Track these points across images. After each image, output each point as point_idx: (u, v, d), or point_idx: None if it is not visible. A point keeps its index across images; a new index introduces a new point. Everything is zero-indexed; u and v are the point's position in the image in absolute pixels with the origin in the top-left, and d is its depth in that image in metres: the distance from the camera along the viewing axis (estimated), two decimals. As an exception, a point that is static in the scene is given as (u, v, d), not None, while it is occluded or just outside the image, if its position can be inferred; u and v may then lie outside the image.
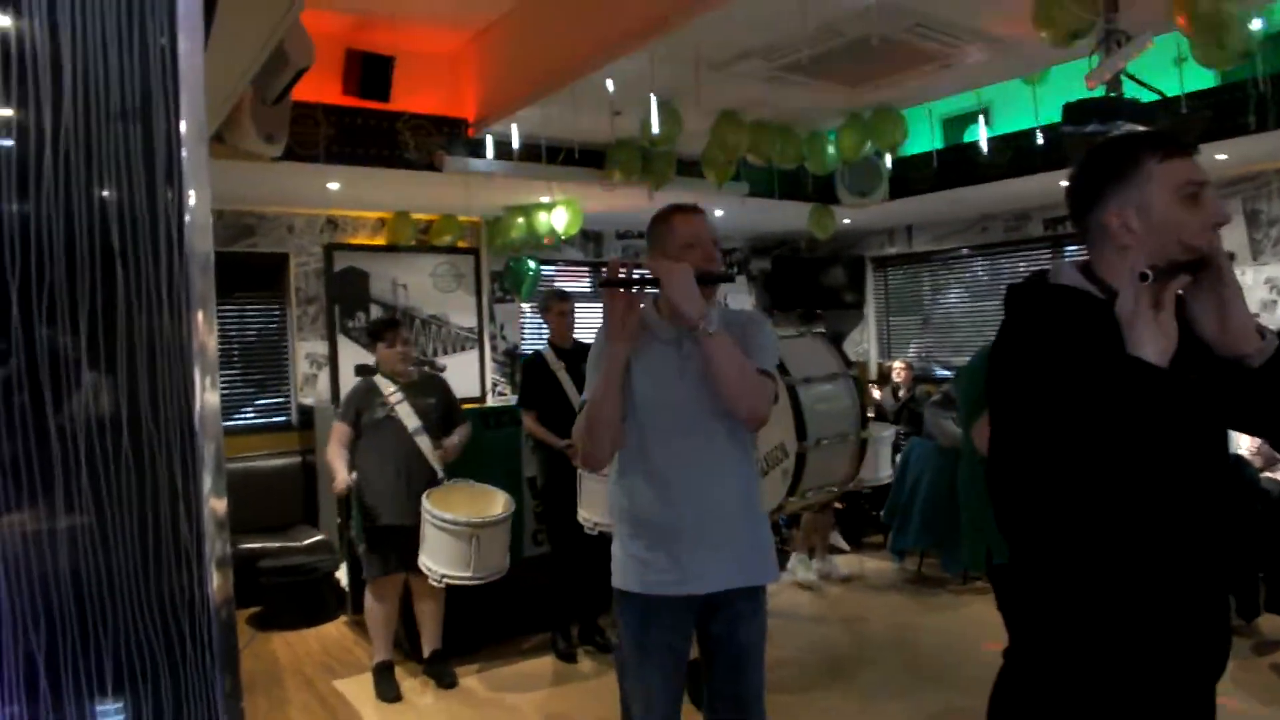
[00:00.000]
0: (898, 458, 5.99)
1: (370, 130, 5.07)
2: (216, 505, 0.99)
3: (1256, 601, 4.55)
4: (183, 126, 1.01)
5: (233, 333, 6.36)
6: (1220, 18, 3.24)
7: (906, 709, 3.87)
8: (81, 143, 0.96)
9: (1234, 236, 6.35)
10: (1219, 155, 5.54)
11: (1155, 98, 3.76)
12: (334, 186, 5.62)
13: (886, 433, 5.71)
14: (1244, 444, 5.05)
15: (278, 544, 5.49)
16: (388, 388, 4.19)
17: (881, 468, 5.56)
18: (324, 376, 6.56)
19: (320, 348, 6.57)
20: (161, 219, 0.99)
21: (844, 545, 6.53)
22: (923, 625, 5.02)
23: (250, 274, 6.37)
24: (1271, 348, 1.40)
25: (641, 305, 2.16)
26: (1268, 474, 4.87)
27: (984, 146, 5.87)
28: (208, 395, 1.00)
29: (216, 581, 0.98)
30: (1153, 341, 1.32)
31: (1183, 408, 1.35)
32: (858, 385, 4.32)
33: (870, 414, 5.51)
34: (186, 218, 1.00)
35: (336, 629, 5.18)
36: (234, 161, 4.23)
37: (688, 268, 2.07)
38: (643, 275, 2.12)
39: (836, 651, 4.63)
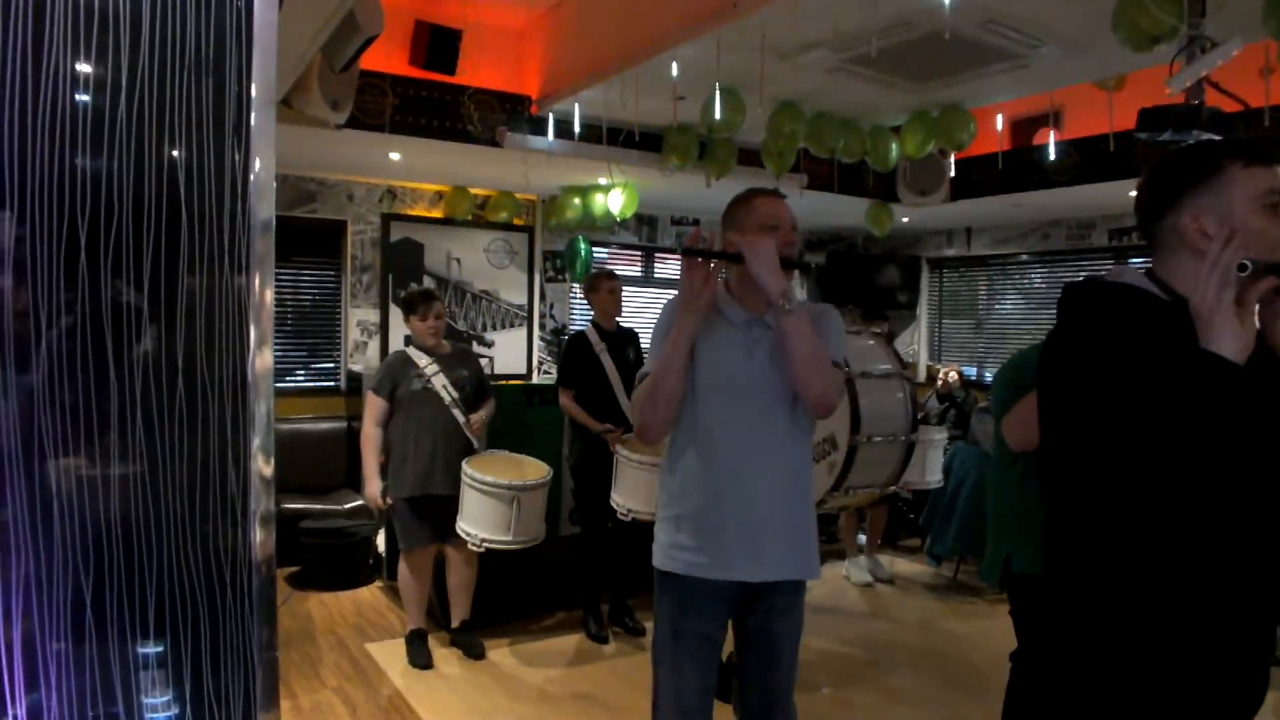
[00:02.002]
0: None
1: (434, 102, 5.11)
2: (264, 462, 1.01)
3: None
4: (253, 89, 1.03)
5: (287, 296, 6.47)
6: (1312, 29, 3.13)
7: (935, 712, 3.85)
8: (155, 100, 0.98)
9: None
10: (1299, 173, 5.35)
11: (1238, 108, 3.64)
12: (395, 157, 5.68)
13: (938, 436, 5.64)
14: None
15: (320, 506, 5.60)
16: (422, 360, 4.22)
17: (931, 471, 5.49)
18: (374, 345, 6.65)
19: (372, 316, 6.65)
20: (228, 179, 1.01)
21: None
22: (955, 631, 4.97)
23: (308, 239, 6.48)
24: None
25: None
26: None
27: (1052, 151, 5.74)
28: (262, 355, 1.02)
29: (260, 536, 1.00)
30: (1233, 337, 1.28)
31: (1258, 412, 1.30)
32: (911, 388, 4.28)
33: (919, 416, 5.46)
34: (251, 179, 1.02)
35: (371, 593, 5.28)
36: (299, 126, 4.29)
37: (771, 244, 2.06)
38: (722, 250, 2.10)
39: (869, 650, 4.61)
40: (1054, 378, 1.44)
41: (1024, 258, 8.20)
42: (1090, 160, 5.91)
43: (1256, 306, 1.34)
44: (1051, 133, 5.67)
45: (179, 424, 0.97)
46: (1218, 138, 3.07)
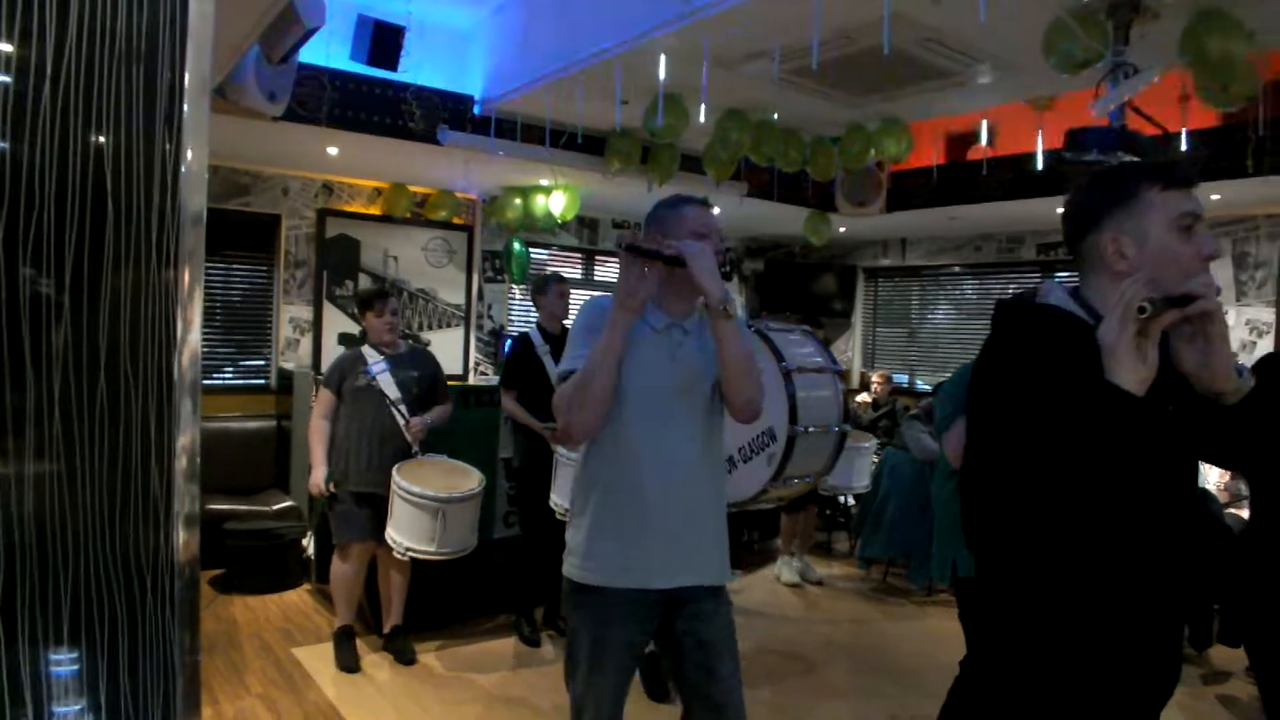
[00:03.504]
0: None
1: (375, 98, 5.03)
2: (189, 462, 0.99)
3: (1210, 633, 4.63)
4: (187, 78, 1.00)
5: (218, 291, 6.31)
6: (1227, 60, 3.27)
7: (867, 710, 3.91)
8: (82, 86, 0.95)
9: (1221, 276, 6.40)
10: (1214, 195, 5.59)
11: (1157, 132, 3.78)
12: (333, 151, 5.58)
13: (867, 443, 5.75)
14: (1211, 479, 5.11)
15: (246, 507, 5.46)
16: (373, 357, 4.18)
17: (859, 476, 5.60)
18: (306, 342, 6.52)
19: (305, 313, 6.52)
20: (157, 170, 0.98)
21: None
22: (885, 632, 5.06)
23: (240, 233, 6.32)
24: (1247, 387, 1.43)
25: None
26: (1231, 510, 4.92)
27: (985, 166, 5.89)
28: (189, 351, 0.99)
29: (183, 538, 0.97)
30: (1132, 371, 1.34)
31: (1155, 437, 1.37)
32: (841, 381, 4.40)
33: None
34: (182, 170, 0.99)
35: (299, 596, 5.17)
36: (233, 117, 4.19)
37: (711, 249, 2.08)
38: (660, 251, 2.09)
39: (798, 651, 4.66)
40: (980, 398, 1.50)
41: (956, 269, 8.41)
42: (1020, 177, 6.08)
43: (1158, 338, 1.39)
44: (984, 149, 5.82)
45: (99, 421, 0.94)
46: (1138, 159, 3.19)
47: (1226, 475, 5.13)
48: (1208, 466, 4.63)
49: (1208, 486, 5.04)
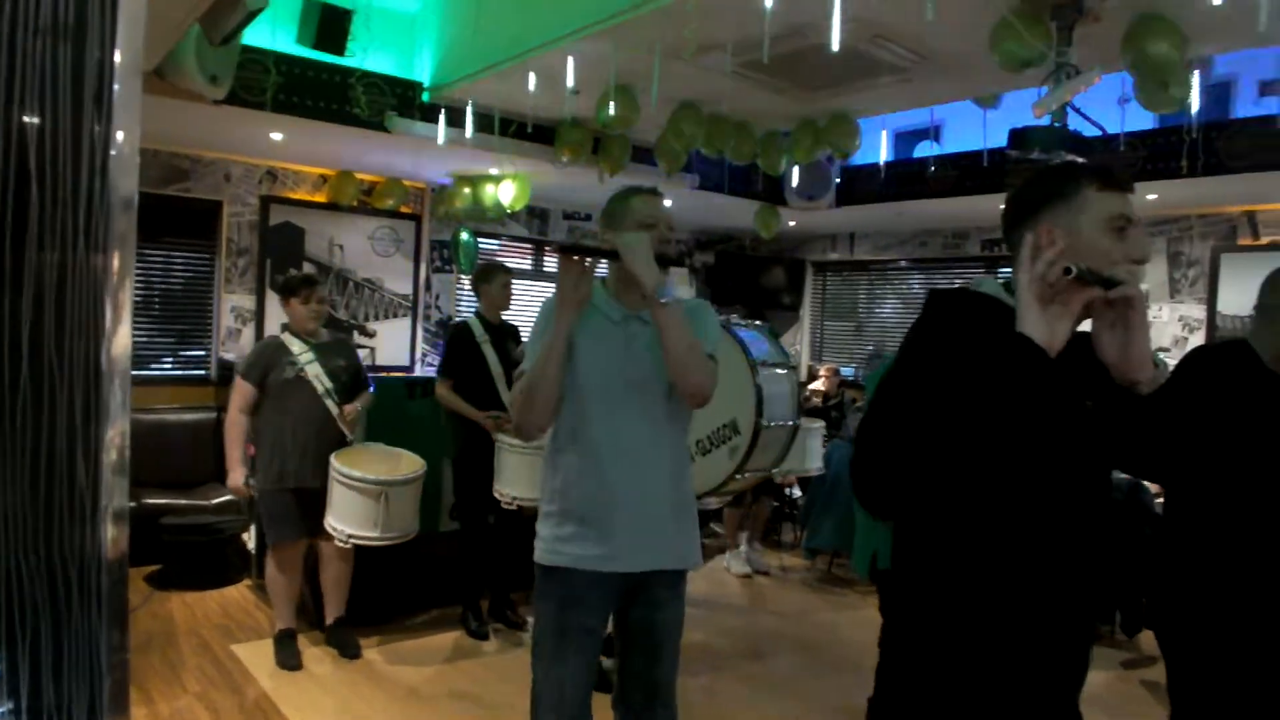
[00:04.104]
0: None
1: (321, 83, 4.93)
2: (118, 455, 0.95)
3: (1140, 618, 4.77)
4: (117, 56, 0.96)
5: (156, 279, 6.14)
6: (1166, 63, 3.35)
7: (811, 699, 3.96)
8: (4, 62, 0.91)
9: (1155, 275, 6.59)
10: (1149, 195, 5.74)
11: (1096, 133, 3.87)
12: (277, 137, 5.46)
13: (816, 424, 5.80)
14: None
15: (184, 501, 5.33)
16: (297, 346, 4.07)
17: (812, 458, 5.65)
18: (248, 332, 6.38)
19: (247, 302, 6.39)
20: (85, 151, 0.95)
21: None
22: (829, 621, 5.13)
23: (180, 219, 6.15)
24: (1161, 378, 1.47)
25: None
26: (1162, 500, 5.06)
27: (931, 163, 5.97)
28: (119, 338, 0.96)
29: (111, 534, 0.94)
30: (1036, 323, 1.38)
31: (1071, 432, 1.39)
32: (796, 377, 4.48)
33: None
34: (112, 152, 0.95)
35: (239, 592, 5.07)
36: (172, 100, 4.08)
37: (645, 238, 2.13)
38: (597, 247, 2.19)
39: (747, 641, 4.70)
40: (892, 368, 1.53)
41: (903, 264, 8.53)
42: (966, 174, 6.18)
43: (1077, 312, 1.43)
44: (932, 146, 5.90)
45: (22, 412, 0.90)
46: (1080, 159, 3.27)
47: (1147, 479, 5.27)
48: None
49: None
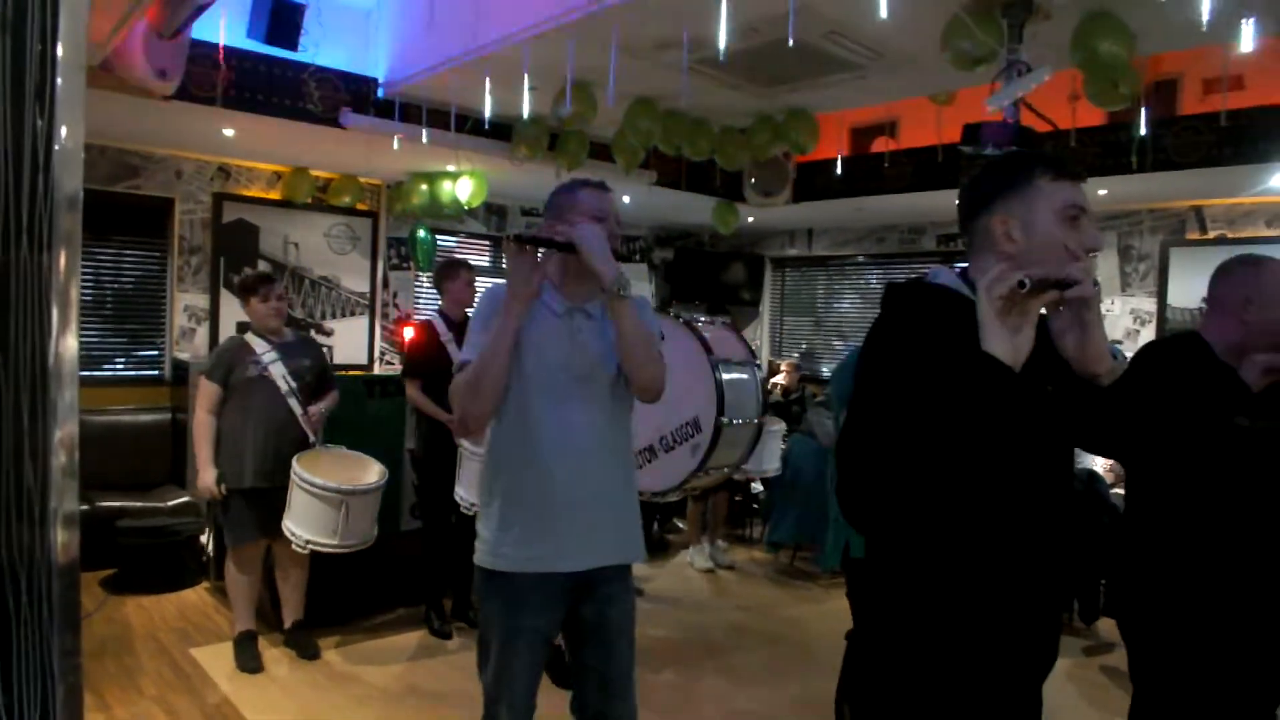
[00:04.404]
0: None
1: (273, 78, 4.86)
2: (68, 456, 0.93)
3: (1097, 606, 4.88)
4: (60, 50, 0.94)
5: (107, 278, 6.02)
6: (1115, 61, 3.42)
7: (775, 692, 4.00)
8: (-59, 55, 0.88)
9: (1107, 268, 6.73)
10: (1101, 191, 5.84)
11: (1048, 129, 3.94)
12: (229, 133, 5.38)
13: (776, 426, 5.85)
14: (1099, 461, 5.36)
15: (139, 503, 5.23)
16: (260, 346, 4.02)
17: (769, 460, 5.70)
18: (203, 332, 6.27)
19: (201, 301, 6.28)
20: (27, 148, 0.93)
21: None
22: (793, 615, 5.17)
23: (130, 217, 6.02)
24: (1120, 369, 1.49)
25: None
26: (1117, 490, 5.17)
27: (887, 159, 6.03)
28: (65, 339, 0.94)
29: (62, 538, 0.92)
30: (1000, 341, 1.39)
31: (1028, 409, 1.41)
32: (760, 374, 4.49)
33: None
34: (55, 148, 0.93)
35: (197, 595, 4.99)
36: (121, 95, 3.99)
37: (601, 230, 2.09)
38: (548, 238, 2.11)
39: (711, 636, 4.73)
40: (863, 372, 1.54)
41: (860, 259, 8.61)
42: (921, 169, 6.26)
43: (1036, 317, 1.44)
44: (888, 142, 5.96)
45: (-34, 414, 0.88)
46: (1033, 150, 3.32)
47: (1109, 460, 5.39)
48: (1094, 449, 4.85)
49: (1095, 468, 5.29)
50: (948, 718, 1.52)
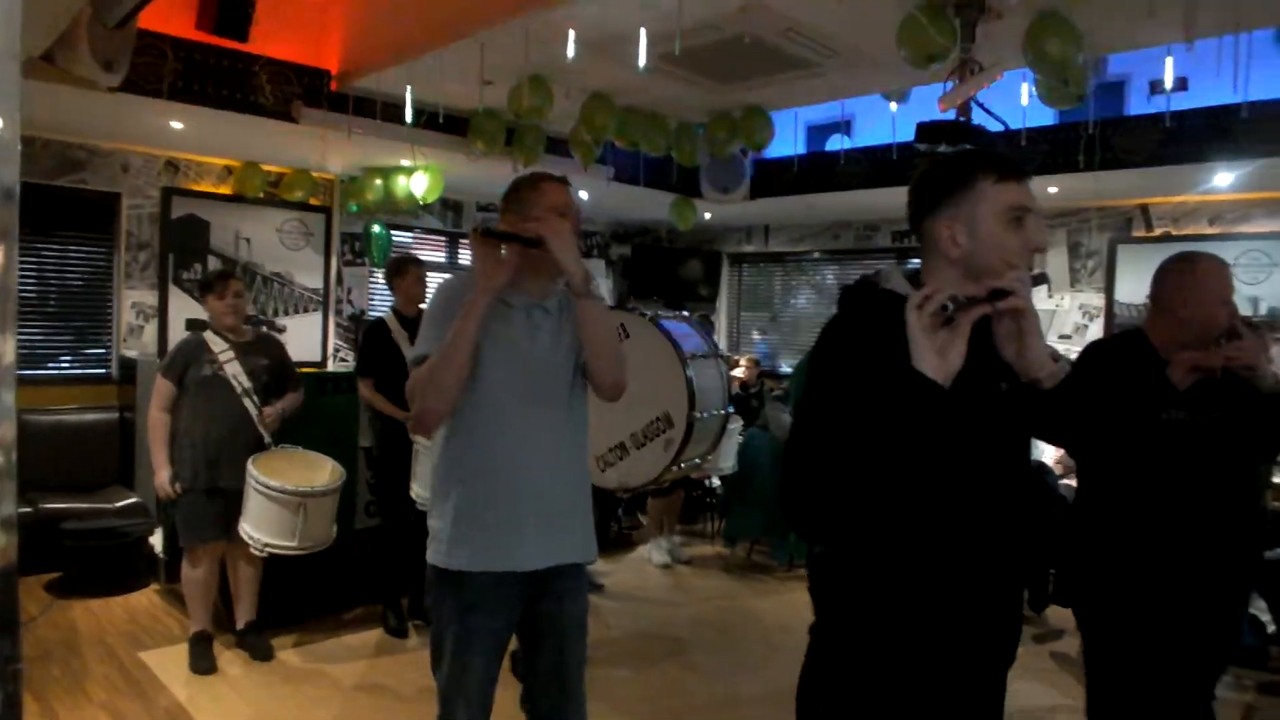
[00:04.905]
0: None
1: (223, 71, 4.77)
2: (4, 456, 0.90)
3: (1046, 595, 4.99)
4: (-6, 39, 0.91)
5: (51, 275, 5.86)
6: (1066, 61, 3.48)
7: (734, 686, 4.02)
8: None
9: (1057, 265, 6.86)
10: (1050, 188, 5.95)
11: (1000, 128, 4.00)
12: (178, 126, 5.26)
13: (734, 425, 5.88)
14: (1048, 453, 5.47)
15: (86, 505, 5.11)
16: (218, 344, 3.96)
17: (726, 457, 5.73)
18: (151, 329, 6.14)
19: (149, 298, 6.14)
20: (-38, 139, 0.89)
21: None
22: (751, 609, 5.20)
23: (75, 212, 5.87)
24: (1062, 372, 1.51)
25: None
26: (1066, 481, 5.28)
27: (843, 156, 6.09)
28: (4, 339, 0.91)
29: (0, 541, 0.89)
30: (928, 359, 1.39)
31: (957, 423, 1.42)
32: (725, 367, 4.51)
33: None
34: (-9, 140, 0.90)
35: (147, 598, 4.89)
36: (65, 87, 3.89)
37: (570, 228, 2.05)
38: (518, 234, 2.05)
39: (671, 630, 4.74)
40: (813, 376, 1.55)
41: (816, 255, 8.68)
42: (875, 167, 6.32)
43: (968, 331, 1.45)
44: (844, 139, 6.02)
45: (-103, 415, 0.85)
46: (977, 149, 3.37)
47: (1061, 449, 5.50)
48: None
49: (1045, 460, 5.40)
50: (911, 708, 1.54)
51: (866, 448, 1.40)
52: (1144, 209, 6.53)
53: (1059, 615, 4.99)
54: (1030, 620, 4.97)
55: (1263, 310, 6.00)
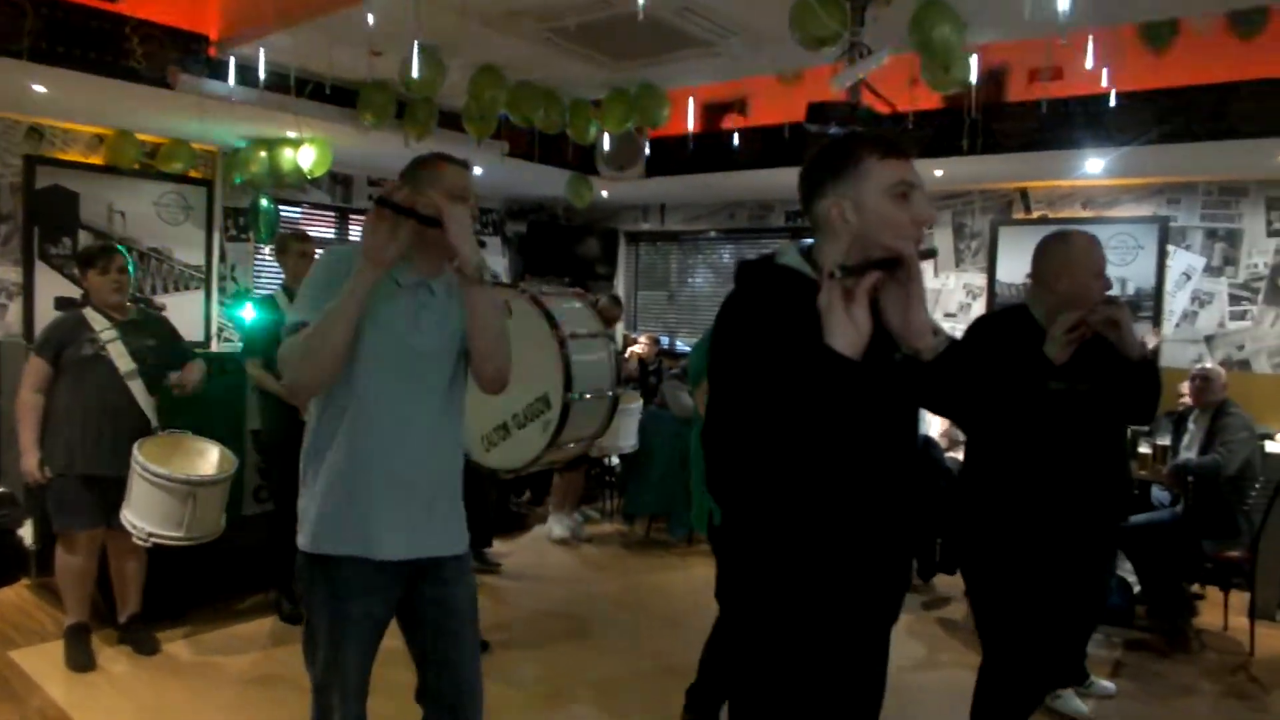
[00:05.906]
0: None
1: (90, 31, 4.47)
2: None
3: (933, 564, 5.22)
4: None
5: (-102, 248, 5.43)
6: (948, 47, 3.60)
7: (635, 660, 4.08)
8: None
9: (943, 246, 7.12)
10: (936, 172, 6.16)
11: (888, 110, 4.11)
12: (40, 89, 4.92)
13: (634, 405, 5.91)
14: (934, 427, 5.70)
15: (-55, 494, 4.79)
16: (99, 323, 3.75)
17: (625, 436, 5.76)
18: (15, 308, 5.77)
19: (12, 274, 5.76)
20: None
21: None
22: (650, 584, 5.27)
23: (-75, 181, 5.46)
24: (941, 346, 1.58)
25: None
26: (951, 454, 5.52)
27: (737, 136, 6.15)
28: None
29: None
30: (843, 334, 1.45)
31: (881, 383, 1.49)
32: (614, 346, 4.49)
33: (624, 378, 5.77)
34: None
35: (16, 593, 4.61)
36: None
37: (468, 214, 2.00)
38: (418, 211, 1.97)
39: (569, 609, 4.76)
40: (717, 354, 1.61)
41: (712, 234, 8.78)
42: (769, 147, 6.42)
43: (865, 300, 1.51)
44: (738, 119, 6.08)
45: None
46: (862, 130, 3.47)
47: (947, 422, 5.74)
48: (930, 416, 5.16)
49: (930, 434, 5.62)
50: (806, 666, 1.61)
51: (784, 422, 1.44)
52: (1023, 192, 6.83)
53: (946, 583, 5.23)
54: (918, 588, 5.19)
55: (1130, 290, 6.37)
